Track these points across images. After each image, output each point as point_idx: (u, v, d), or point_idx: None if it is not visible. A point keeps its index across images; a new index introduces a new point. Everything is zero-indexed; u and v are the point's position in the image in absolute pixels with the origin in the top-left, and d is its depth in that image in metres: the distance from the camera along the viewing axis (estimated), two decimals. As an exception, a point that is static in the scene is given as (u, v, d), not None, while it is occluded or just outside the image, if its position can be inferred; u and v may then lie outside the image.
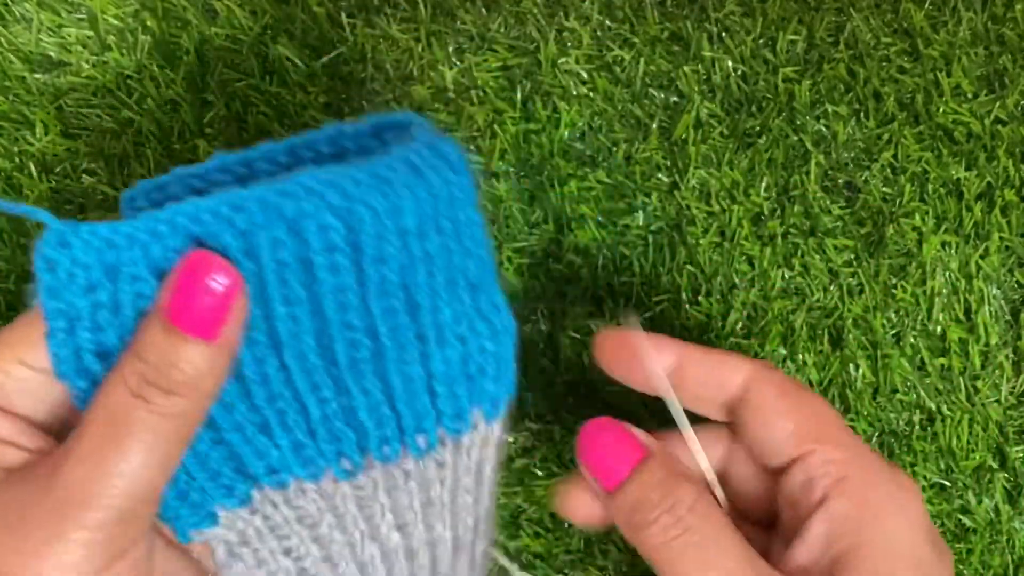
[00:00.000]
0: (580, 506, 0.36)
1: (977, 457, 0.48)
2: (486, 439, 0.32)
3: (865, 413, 0.49)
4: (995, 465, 0.48)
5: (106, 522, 0.28)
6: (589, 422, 0.35)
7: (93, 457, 0.28)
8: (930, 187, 0.50)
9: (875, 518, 0.33)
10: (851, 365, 0.49)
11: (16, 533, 0.28)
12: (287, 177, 0.28)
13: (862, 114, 0.50)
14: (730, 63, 0.49)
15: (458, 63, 0.48)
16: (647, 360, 0.36)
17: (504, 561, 0.40)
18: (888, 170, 0.50)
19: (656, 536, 0.32)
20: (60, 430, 0.32)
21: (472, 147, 0.48)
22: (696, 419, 0.37)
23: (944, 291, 0.49)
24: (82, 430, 0.29)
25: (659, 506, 0.33)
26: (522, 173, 0.49)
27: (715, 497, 0.36)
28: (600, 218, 0.49)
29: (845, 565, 0.32)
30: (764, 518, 0.37)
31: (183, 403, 0.29)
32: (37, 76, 0.46)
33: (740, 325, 0.49)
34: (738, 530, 0.33)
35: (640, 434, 0.35)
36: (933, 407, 0.49)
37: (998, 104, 0.50)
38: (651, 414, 0.45)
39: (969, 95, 0.50)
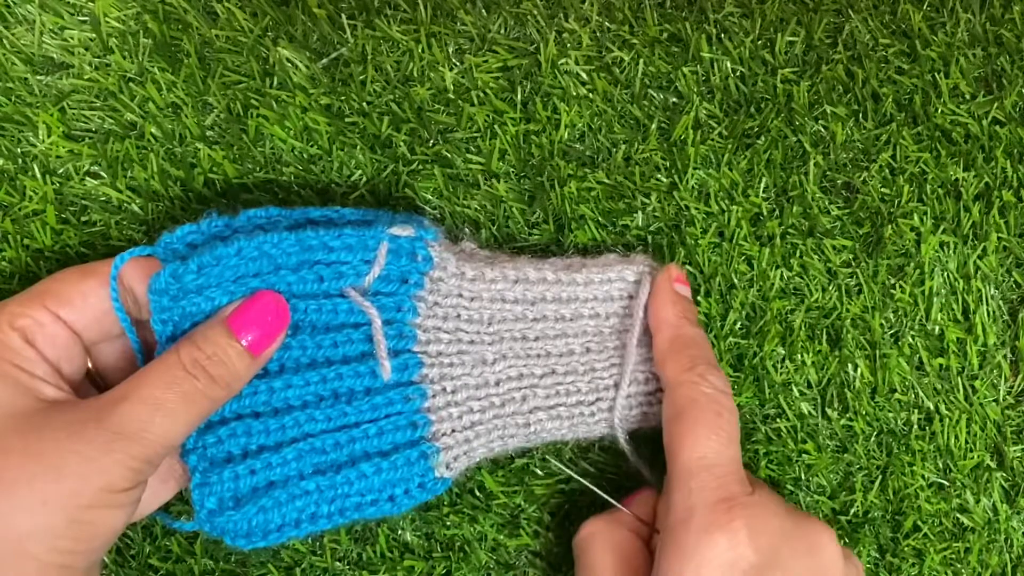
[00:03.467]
0: None
1: (975, 457, 0.48)
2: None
3: (863, 413, 0.49)
4: (993, 465, 0.49)
5: (143, 456, 0.36)
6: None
7: (149, 404, 0.36)
8: (928, 188, 0.50)
9: None
10: (849, 365, 0.49)
11: (72, 442, 0.35)
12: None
13: (860, 115, 0.50)
14: (729, 64, 0.50)
15: (458, 64, 0.49)
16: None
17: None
18: (886, 171, 0.50)
19: None
20: (75, 387, 0.39)
21: (472, 148, 0.49)
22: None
23: (942, 291, 0.49)
24: (140, 381, 0.37)
25: None
26: (522, 173, 0.49)
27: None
28: (600, 218, 0.49)
29: None
30: None
31: (219, 392, 0.38)
32: (39, 78, 0.47)
33: (739, 325, 0.49)
34: None
35: None
36: (931, 407, 0.49)
37: (996, 105, 0.50)
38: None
39: (967, 96, 0.50)
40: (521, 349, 0.45)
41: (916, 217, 0.49)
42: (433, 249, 0.43)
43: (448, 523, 0.47)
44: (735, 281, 0.49)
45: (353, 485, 0.41)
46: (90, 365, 0.41)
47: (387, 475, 0.42)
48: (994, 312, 0.49)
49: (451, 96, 0.48)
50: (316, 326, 0.42)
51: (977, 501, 0.48)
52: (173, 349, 0.38)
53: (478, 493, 0.47)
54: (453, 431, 0.43)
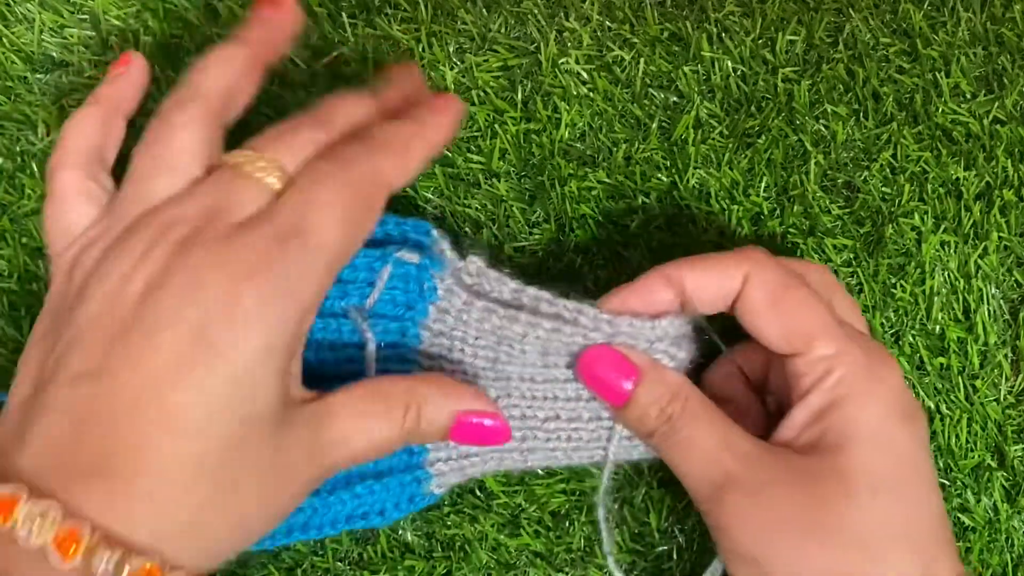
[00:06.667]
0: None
1: (976, 456, 0.48)
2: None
3: (864, 412, 0.49)
4: (994, 464, 0.49)
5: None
6: (586, 351, 0.40)
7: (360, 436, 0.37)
8: (929, 187, 0.50)
9: (845, 408, 0.38)
10: (850, 364, 0.49)
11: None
12: None
13: (861, 114, 0.50)
14: (729, 63, 0.50)
15: (459, 63, 0.49)
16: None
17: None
18: (887, 170, 0.50)
19: (656, 440, 0.40)
20: None
21: (473, 147, 0.49)
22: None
23: (943, 290, 0.49)
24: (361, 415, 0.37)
25: (657, 418, 0.40)
26: (522, 173, 0.49)
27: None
28: (600, 218, 0.49)
29: (820, 445, 0.38)
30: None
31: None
32: (39, 76, 0.47)
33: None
34: (721, 416, 0.40)
35: (633, 355, 0.40)
36: (932, 406, 0.49)
37: (997, 104, 0.50)
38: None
39: (968, 95, 0.51)
40: (528, 390, 0.43)
41: (917, 216, 0.49)
42: (440, 281, 0.41)
43: (448, 523, 0.47)
44: (736, 280, 0.49)
45: (347, 504, 0.42)
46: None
47: (380, 495, 0.42)
48: (995, 311, 0.49)
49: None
50: (321, 344, 0.41)
51: (978, 501, 0.48)
52: (403, 405, 0.38)
53: (478, 493, 0.47)
54: (448, 459, 0.43)
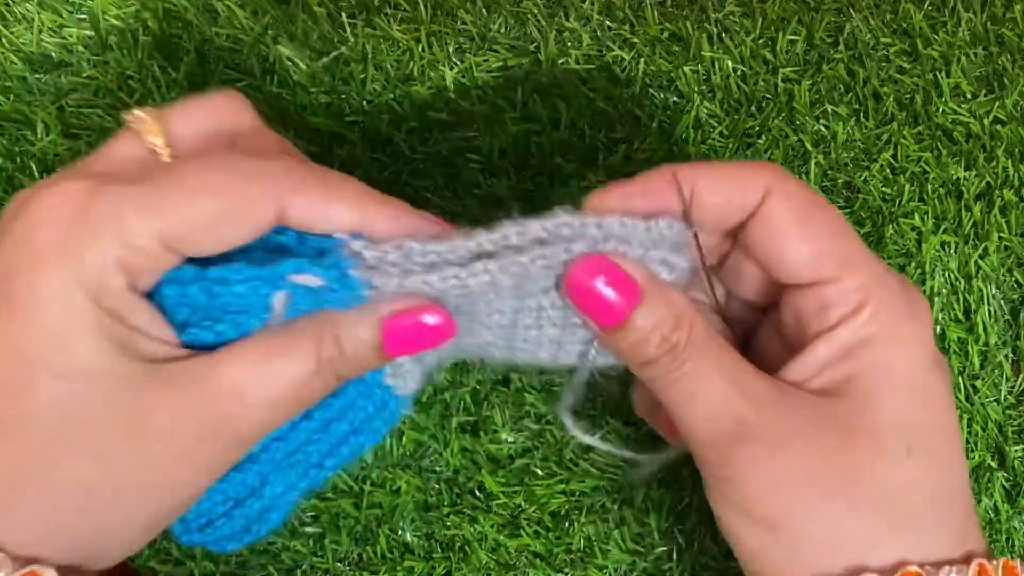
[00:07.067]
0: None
1: (976, 456, 0.48)
2: None
3: (864, 412, 0.49)
4: (994, 464, 0.48)
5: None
6: (575, 264, 0.32)
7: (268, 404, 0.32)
8: (929, 187, 0.50)
9: (878, 349, 0.33)
10: (850, 365, 0.49)
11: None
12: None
13: (861, 114, 0.50)
14: (730, 63, 0.50)
15: (458, 63, 0.49)
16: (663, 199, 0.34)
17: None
18: (887, 170, 0.50)
19: (654, 373, 0.33)
20: None
21: (472, 147, 0.48)
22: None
23: (943, 291, 0.49)
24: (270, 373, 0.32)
25: (658, 347, 0.33)
26: (522, 173, 0.49)
27: (714, 296, 0.37)
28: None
29: (845, 389, 0.33)
30: (762, 305, 0.37)
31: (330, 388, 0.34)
32: (38, 76, 0.47)
33: (740, 325, 0.49)
34: (729, 350, 0.33)
35: (629, 267, 0.33)
36: (932, 406, 0.49)
37: (997, 104, 0.50)
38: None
39: (968, 95, 0.50)
40: (496, 322, 0.36)
41: (917, 216, 0.49)
42: (369, 292, 0.33)
43: (448, 523, 0.47)
44: (736, 281, 0.49)
45: (337, 463, 0.39)
46: None
47: (361, 438, 0.39)
48: (995, 312, 0.49)
49: (451, 95, 0.48)
50: None
51: (978, 501, 0.48)
52: (314, 336, 0.32)
53: (478, 493, 0.47)
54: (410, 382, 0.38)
